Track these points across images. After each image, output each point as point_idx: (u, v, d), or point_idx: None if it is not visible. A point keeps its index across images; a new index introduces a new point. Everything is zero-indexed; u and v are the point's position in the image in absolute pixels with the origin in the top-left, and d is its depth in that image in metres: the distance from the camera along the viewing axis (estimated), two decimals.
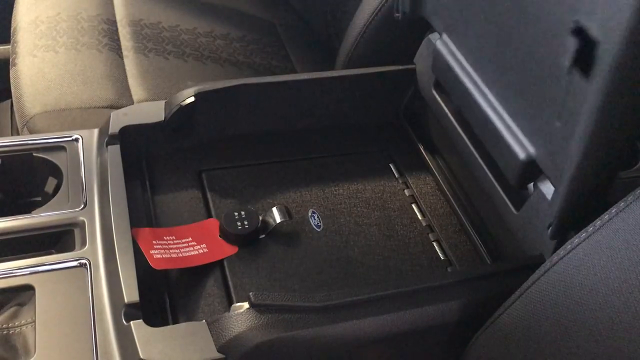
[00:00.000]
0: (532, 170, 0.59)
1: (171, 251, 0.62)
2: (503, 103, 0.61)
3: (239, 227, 0.65)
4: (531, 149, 0.58)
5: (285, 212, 0.66)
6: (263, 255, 0.65)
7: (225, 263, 0.63)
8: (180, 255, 0.63)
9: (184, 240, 0.64)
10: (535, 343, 0.53)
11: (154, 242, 0.62)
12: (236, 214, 0.65)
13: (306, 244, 0.66)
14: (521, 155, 0.58)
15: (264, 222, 0.66)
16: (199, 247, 0.64)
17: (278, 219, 0.66)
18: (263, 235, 0.66)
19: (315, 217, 0.69)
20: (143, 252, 0.60)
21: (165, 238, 0.64)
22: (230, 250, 0.64)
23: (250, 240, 0.65)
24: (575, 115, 0.49)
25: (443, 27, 0.71)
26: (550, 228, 0.56)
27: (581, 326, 0.48)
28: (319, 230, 0.68)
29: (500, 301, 0.56)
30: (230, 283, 0.62)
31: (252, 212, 0.66)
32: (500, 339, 0.56)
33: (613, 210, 0.46)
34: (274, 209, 0.67)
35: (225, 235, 0.65)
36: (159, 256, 0.61)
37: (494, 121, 0.62)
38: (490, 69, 0.62)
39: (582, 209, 0.52)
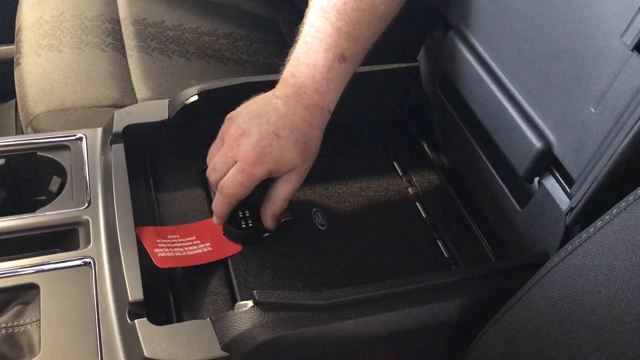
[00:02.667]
0: (544, 161, 0.59)
1: (175, 250, 0.62)
2: (524, 92, 0.62)
3: (243, 226, 0.65)
4: (552, 138, 0.58)
5: (289, 210, 0.66)
6: (267, 253, 0.64)
7: (229, 261, 0.63)
8: (184, 253, 0.63)
9: (187, 239, 0.64)
10: (538, 344, 0.52)
11: (158, 240, 0.62)
12: (240, 213, 0.65)
13: (310, 243, 0.66)
14: (537, 144, 0.59)
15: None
16: (202, 245, 0.64)
17: (282, 218, 0.66)
18: (267, 234, 0.66)
19: (319, 216, 0.69)
20: (147, 250, 0.60)
21: (169, 237, 0.64)
22: (234, 248, 0.64)
23: (254, 239, 0.65)
24: (620, 100, 0.50)
25: (457, 18, 0.71)
26: (570, 215, 0.56)
27: (583, 327, 0.48)
28: (322, 228, 0.68)
29: (505, 299, 0.56)
30: (234, 281, 0.62)
31: (255, 211, 0.66)
32: (503, 339, 0.56)
33: (614, 211, 0.46)
34: None
35: (229, 234, 0.65)
36: (163, 255, 0.61)
37: (509, 111, 0.62)
38: (514, 59, 0.63)
39: (608, 193, 0.53)
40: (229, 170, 0.62)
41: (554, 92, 0.58)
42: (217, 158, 0.63)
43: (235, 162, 0.61)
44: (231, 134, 0.62)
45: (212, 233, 0.65)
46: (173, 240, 0.64)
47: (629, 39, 0.50)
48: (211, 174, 0.64)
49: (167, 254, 0.61)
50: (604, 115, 0.52)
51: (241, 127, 0.62)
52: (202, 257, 0.63)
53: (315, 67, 0.63)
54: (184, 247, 0.63)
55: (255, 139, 0.61)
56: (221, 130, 0.65)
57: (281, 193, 0.64)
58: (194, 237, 0.65)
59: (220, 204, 0.63)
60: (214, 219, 0.65)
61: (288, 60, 0.66)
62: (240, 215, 0.65)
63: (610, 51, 0.51)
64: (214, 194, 0.66)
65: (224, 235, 0.65)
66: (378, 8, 0.65)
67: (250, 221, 0.65)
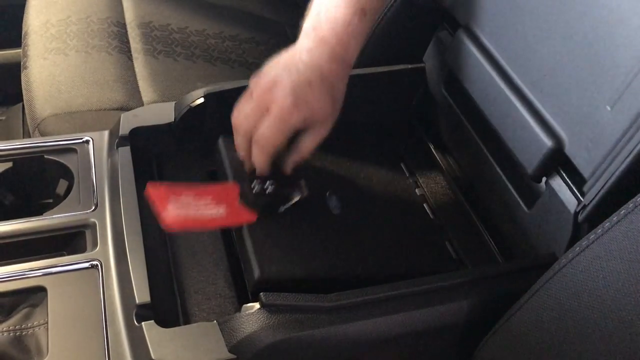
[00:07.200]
0: (554, 160, 0.59)
1: (188, 210, 0.60)
2: (536, 91, 0.61)
3: (261, 192, 0.62)
4: (563, 136, 0.58)
5: (305, 188, 0.65)
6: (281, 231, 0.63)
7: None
8: (198, 214, 0.60)
9: (203, 200, 0.61)
10: (545, 346, 0.52)
11: (171, 197, 0.59)
12: (259, 180, 0.63)
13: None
14: (548, 143, 0.59)
15: (285, 196, 0.64)
16: (217, 209, 0.61)
17: (298, 195, 0.64)
18: (284, 208, 0.64)
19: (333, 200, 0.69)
20: (157, 209, 0.58)
21: (184, 195, 0.61)
22: (248, 217, 0.61)
23: (271, 207, 0.63)
24: (638, 98, 0.50)
25: (467, 17, 0.71)
26: (582, 212, 0.56)
27: (591, 330, 0.47)
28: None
29: (512, 300, 0.56)
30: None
31: (275, 180, 0.64)
32: (510, 341, 0.56)
33: (622, 212, 0.46)
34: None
35: (247, 199, 0.62)
36: (174, 213, 0.58)
37: (520, 110, 0.62)
38: (526, 57, 0.62)
39: (622, 192, 0.52)
40: (259, 119, 0.61)
41: (567, 91, 0.57)
42: (247, 107, 0.62)
43: (268, 112, 0.60)
44: (262, 85, 0.61)
45: (228, 198, 0.63)
46: (188, 199, 0.61)
47: None
48: (242, 125, 0.62)
49: (179, 213, 0.59)
50: (620, 113, 0.52)
51: (272, 78, 0.61)
52: (215, 221, 0.60)
53: (336, 21, 0.63)
54: (199, 208, 0.60)
55: (289, 87, 0.60)
56: (249, 89, 0.63)
57: (309, 144, 0.63)
58: (210, 199, 0.62)
59: (259, 155, 0.62)
60: (257, 172, 0.63)
61: (307, 15, 0.65)
62: (259, 184, 0.63)
63: (631, 49, 0.51)
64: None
65: (240, 201, 0.62)
66: None
67: (269, 189, 0.63)
